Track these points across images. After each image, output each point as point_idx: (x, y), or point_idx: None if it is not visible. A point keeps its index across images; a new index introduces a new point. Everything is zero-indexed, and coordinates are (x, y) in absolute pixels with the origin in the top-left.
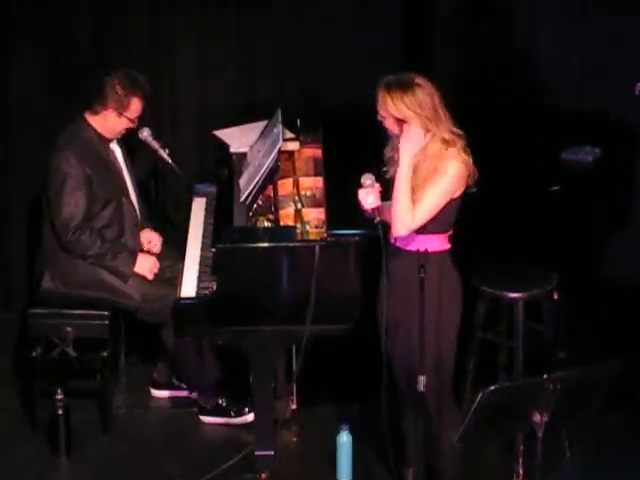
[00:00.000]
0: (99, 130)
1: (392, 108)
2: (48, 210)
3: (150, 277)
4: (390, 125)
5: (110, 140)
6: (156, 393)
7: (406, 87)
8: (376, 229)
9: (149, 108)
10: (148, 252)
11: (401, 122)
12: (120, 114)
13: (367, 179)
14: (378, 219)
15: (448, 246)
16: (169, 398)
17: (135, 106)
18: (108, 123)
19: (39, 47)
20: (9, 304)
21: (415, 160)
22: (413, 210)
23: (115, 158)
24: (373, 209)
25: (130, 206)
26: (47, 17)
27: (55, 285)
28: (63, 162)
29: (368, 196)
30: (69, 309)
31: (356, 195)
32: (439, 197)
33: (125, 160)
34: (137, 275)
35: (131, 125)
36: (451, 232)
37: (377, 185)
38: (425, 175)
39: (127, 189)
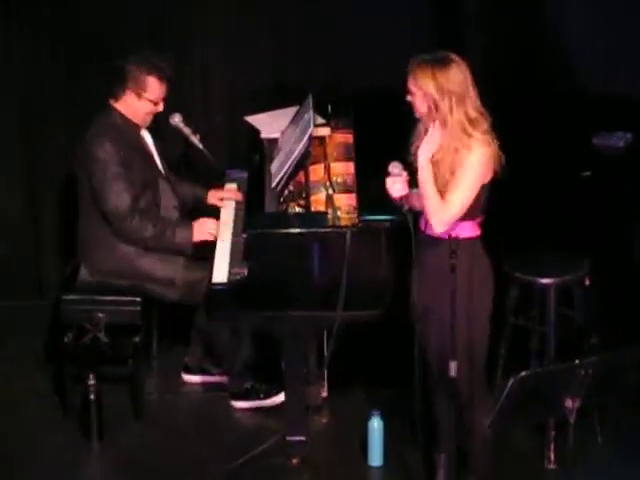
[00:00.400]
0: (127, 115)
1: (421, 80)
2: (91, 200)
3: (212, 238)
4: (418, 103)
5: (140, 127)
6: (187, 378)
7: (439, 62)
8: (405, 217)
9: (176, 93)
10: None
11: (429, 100)
12: (139, 95)
13: (394, 167)
14: (407, 207)
15: (478, 232)
16: (200, 383)
17: (153, 86)
18: (131, 107)
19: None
20: (42, 290)
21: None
22: (446, 205)
23: (146, 144)
24: (401, 197)
25: (167, 189)
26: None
27: (93, 278)
28: (99, 150)
29: (395, 184)
30: (101, 295)
31: (384, 183)
32: (470, 186)
33: (156, 147)
34: (181, 258)
35: (154, 108)
36: (481, 218)
37: (405, 173)
38: (450, 160)
39: (161, 173)
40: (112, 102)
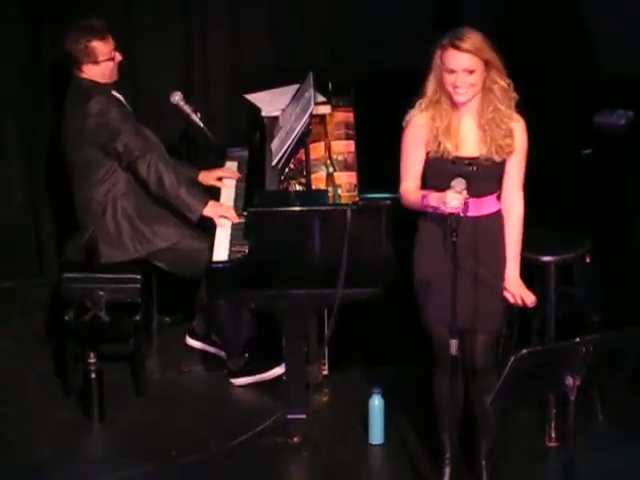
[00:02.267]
0: (96, 79)
1: (485, 53)
2: (84, 171)
3: (223, 221)
4: (477, 79)
5: (112, 88)
6: (190, 342)
7: (480, 33)
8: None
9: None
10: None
11: (487, 72)
12: (95, 62)
13: (458, 184)
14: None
15: (500, 205)
16: (201, 350)
17: (100, 48)
18: (95, 73)
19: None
20: (42, 269)
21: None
22: (518, 202)
23: (122, 102)
24: (452, 213)
25: (152, 135)
26: None
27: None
28: (100, 103)
29: (453, 201)
30: (101, 273)
31: (442, 195)
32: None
33: (128, 104)
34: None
35: (114, 61)
36: (498, 192)
37: (465, 193)
38: (505, 126)
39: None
40: (79, 75)
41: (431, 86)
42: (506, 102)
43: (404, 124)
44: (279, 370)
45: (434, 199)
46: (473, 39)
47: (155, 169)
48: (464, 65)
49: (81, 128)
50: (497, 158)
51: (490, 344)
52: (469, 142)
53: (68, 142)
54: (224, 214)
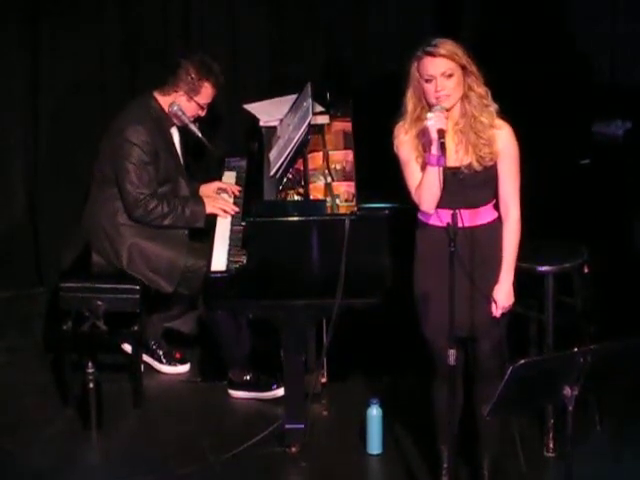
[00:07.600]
0: (167, 111)
1: (460, 58)
2: (102, 185)
3: (224, 211)
4: (456, 83)
5: (173, 124)
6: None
7: (454, 40)
8: (450, 232)
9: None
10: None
11: (465, 76)
12: (190, 98)
13: (436, 111)
14: (443, 140)
15: (496, 214)
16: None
17: (206, 92)
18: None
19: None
20: (42, 279)
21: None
22: (513, 208)
23: (173, 142)
24: (439, 130)
25: (184, 188)
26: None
27: (106, 263)
28: (135, 135)
29: (431, 120)
30: (100, 283)
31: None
32: (518, 173)
33: (181, 146)
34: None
35: (200, 113)
36: (495, 201)
37: (442, 114)
38: (487, 138)
39: (183, 172)
40: (157, 94)
41: (410, 103)
42: (484, 110)
43: (394, 148)
44: (279, 392)
45: (428, 145)
46: (446, 45)
47: (152, 211)
48: (441, 69)
49: (111, 142)
50: (478, 167)
51: (494, 352)
52: (451, 152)
53: (102, 146)
54: (222, 207)
